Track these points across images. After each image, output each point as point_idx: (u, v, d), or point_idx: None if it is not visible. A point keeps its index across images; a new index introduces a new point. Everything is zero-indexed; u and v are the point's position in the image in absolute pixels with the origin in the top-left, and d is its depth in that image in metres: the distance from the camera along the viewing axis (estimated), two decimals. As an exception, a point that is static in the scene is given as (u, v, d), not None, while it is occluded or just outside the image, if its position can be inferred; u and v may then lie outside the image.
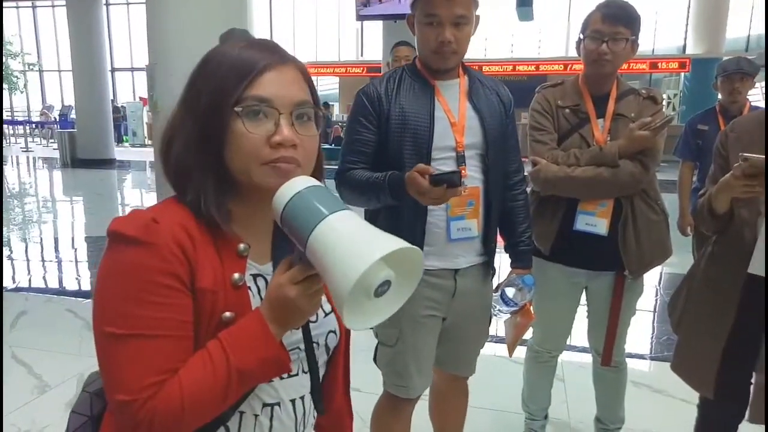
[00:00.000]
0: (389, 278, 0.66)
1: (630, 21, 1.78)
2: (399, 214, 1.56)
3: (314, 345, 0.86)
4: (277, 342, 0.74)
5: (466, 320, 1.71)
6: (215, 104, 0.77)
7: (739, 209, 1.54)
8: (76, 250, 5.72)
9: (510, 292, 1.66)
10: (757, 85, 3.16)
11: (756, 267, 1.48)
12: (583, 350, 2.71)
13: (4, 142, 11.67)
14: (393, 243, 0.65)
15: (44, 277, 4.65)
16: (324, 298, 0.89)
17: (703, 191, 1.66)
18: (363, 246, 0.64)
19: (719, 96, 3.09)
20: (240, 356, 0.72)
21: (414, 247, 0.67)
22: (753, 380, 1.57)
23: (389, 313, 0.71)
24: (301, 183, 0.71)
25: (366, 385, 2.03)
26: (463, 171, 1.50)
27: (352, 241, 0.65)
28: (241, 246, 0.80)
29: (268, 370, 0.75)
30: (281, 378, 0.83)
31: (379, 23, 11.08)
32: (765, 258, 1.44)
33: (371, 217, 1.66)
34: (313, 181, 0.72)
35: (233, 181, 0.80)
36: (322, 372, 0.91)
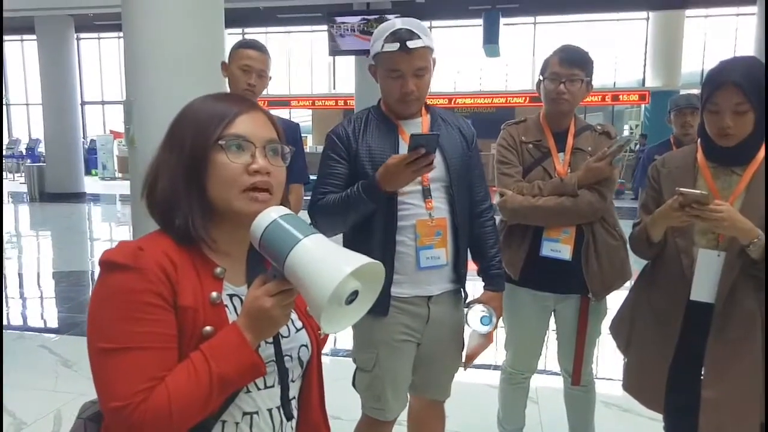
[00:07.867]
0: (357, 288, 0.79)
1: (584, 64, 1.96)
2: (369, 245, 1.63)
3: (287, 358, 0.96)
4: (253, 349, 0.85)
5: (440, 346, 1.77)
6: (200, 141, 0.91)
7: (675, 238, 1.66)
8: (41, 286, 5.59)
9: (471, 321, 1.75)
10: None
11: (697, 294, 1.60)
12: (555, 374, 2.79)
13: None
14: (360, 259, 0.78)
15: (7, 314, 4.52)
16: (295, 316, 1.00)
17: (638, 221, 1.77)
18: (335, 263, 0.76)
19: (674, 129, 3.30)
20: (220, 363, 0.82)
21: (376, 261, 0.80)
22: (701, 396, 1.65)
23: (357, 317, 0.83)
24: (275, 212, 0.83)
25: (346, 413, 2.08)
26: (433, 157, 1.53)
27: (325, 259, 0.77)
28: (218, 269, 0.92)
29: (246, 374, 0.85)
30: (258, 389, 0.93)
31: (351, 58, 11.36)
32: None
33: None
34: (286, 210, 0.84)
35: (213, 210, 0.92)
36: (298, 384, 1.01)
